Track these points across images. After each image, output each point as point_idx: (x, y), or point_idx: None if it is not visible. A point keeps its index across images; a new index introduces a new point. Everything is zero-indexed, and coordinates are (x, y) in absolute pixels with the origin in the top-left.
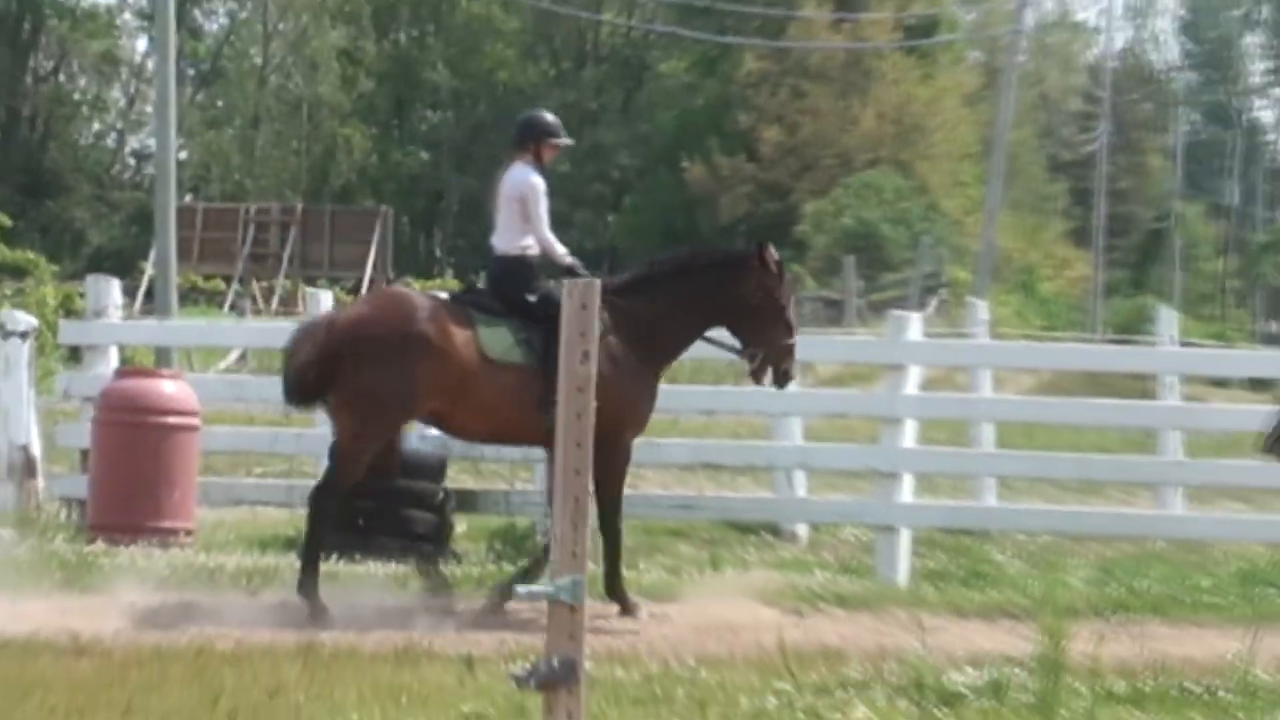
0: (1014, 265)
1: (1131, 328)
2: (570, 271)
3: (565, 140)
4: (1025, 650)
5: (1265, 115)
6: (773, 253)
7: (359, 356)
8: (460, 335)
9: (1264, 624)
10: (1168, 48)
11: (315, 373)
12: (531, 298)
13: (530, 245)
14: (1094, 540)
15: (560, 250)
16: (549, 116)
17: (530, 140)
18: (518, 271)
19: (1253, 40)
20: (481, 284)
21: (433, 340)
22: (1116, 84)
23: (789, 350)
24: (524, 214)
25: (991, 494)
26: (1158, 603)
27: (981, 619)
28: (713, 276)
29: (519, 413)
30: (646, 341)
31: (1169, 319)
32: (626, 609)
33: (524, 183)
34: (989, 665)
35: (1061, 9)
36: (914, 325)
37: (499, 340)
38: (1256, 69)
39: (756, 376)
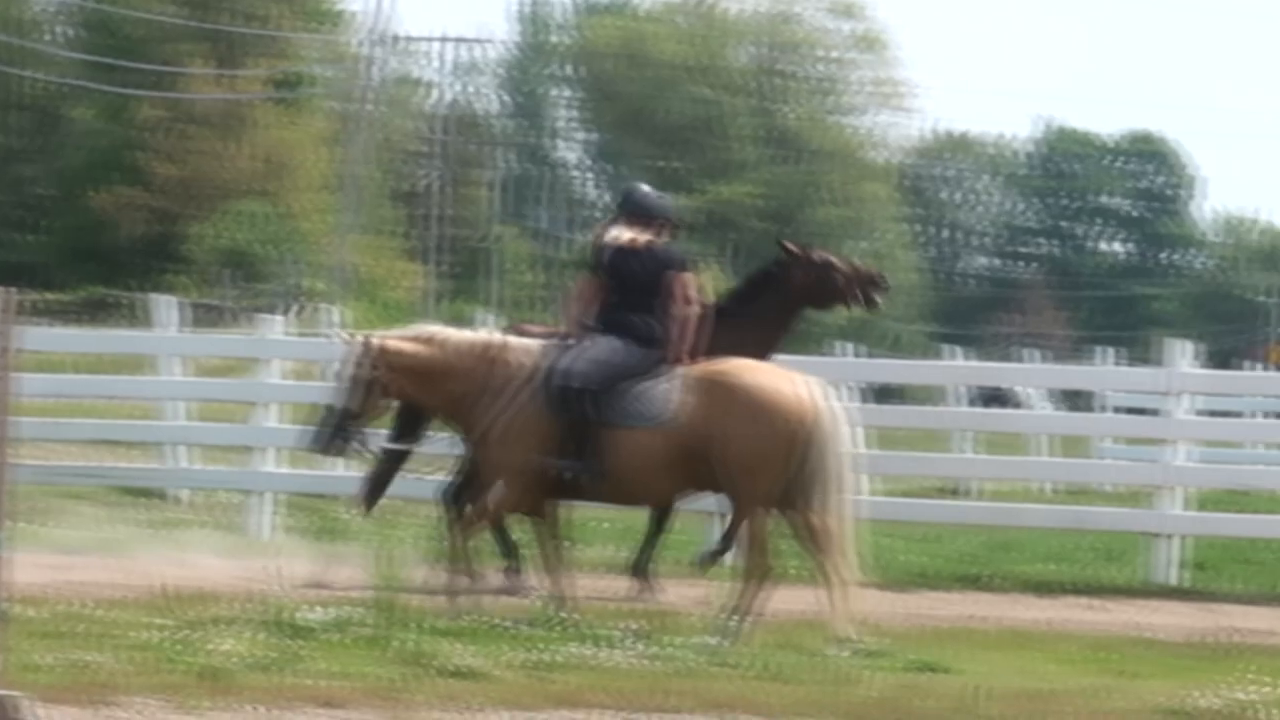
0: (362, 277)
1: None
2: None
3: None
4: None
5: (569, 155)
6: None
7: None
8: None
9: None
10: (490, 99)
11: None
12: None
13: None
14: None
15: None
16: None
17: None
18: None
19: (558, 93)
20: None
21: None
22: (448, 128)
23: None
24: None
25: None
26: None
27: (333, 568)
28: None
29: None
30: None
31: (488, 320)
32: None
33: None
34: (336, 605)
35: (403, 67)
36: (277, 326)
37: None
38: (562, 115)
39: (866, 303)
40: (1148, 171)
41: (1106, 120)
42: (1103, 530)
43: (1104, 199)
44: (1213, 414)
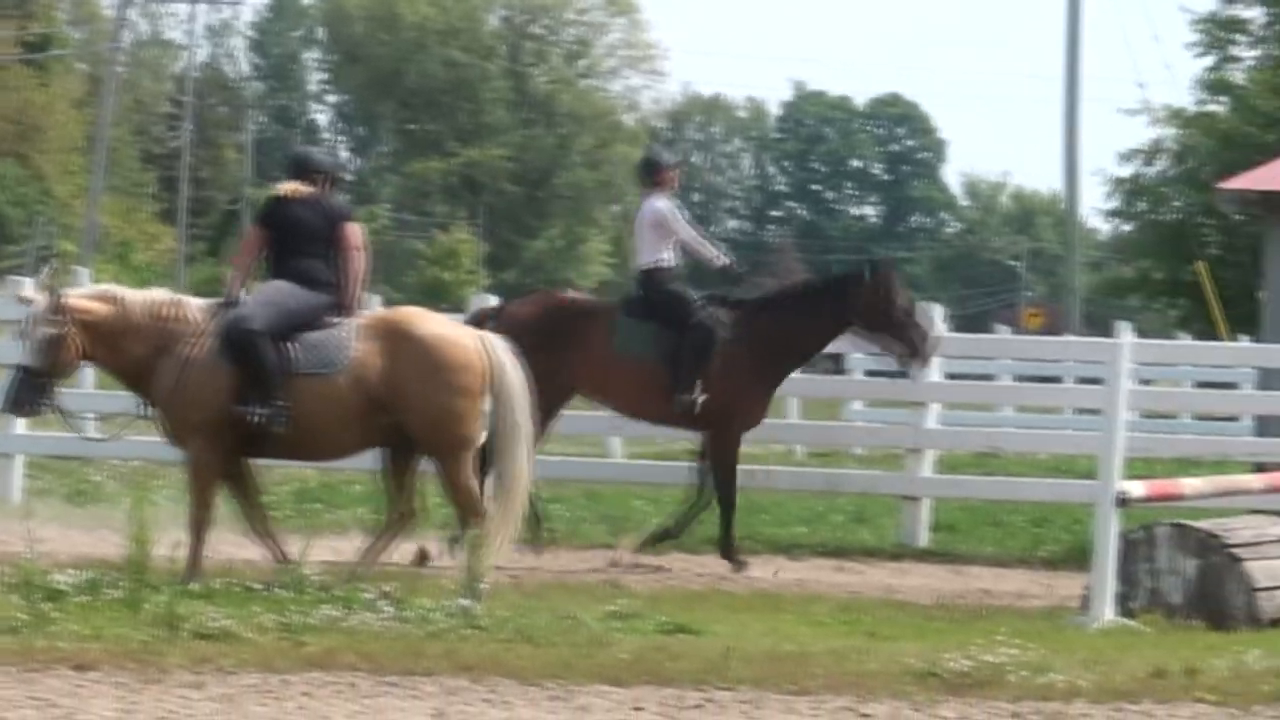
0: (113, 240)
1: (210, 290)
2: (725, 270)
3: (674, 161)
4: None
5: (320, 117)
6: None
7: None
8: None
9: (314, 533)
10: (241, 62)
11: None
12: (663, 302)
13: (664, 258)
14: None
15: (712, 252)
16: (661, 154)
17: (651, 175)
18: (653, 281)
19: (309, 55)
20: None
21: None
22: (198, 91)
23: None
24: (664, 233)
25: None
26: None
27: (84, 531)
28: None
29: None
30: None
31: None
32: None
33: (653, 212)
34: (87, 568)
35: (154, 29)
36: (28, 288)
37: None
38: (313, 78)
39: (900, 363)
40: (898, 135)
41: (857, 83)
42: (854, 493)
43: (854, 162)
44: (963, 377)
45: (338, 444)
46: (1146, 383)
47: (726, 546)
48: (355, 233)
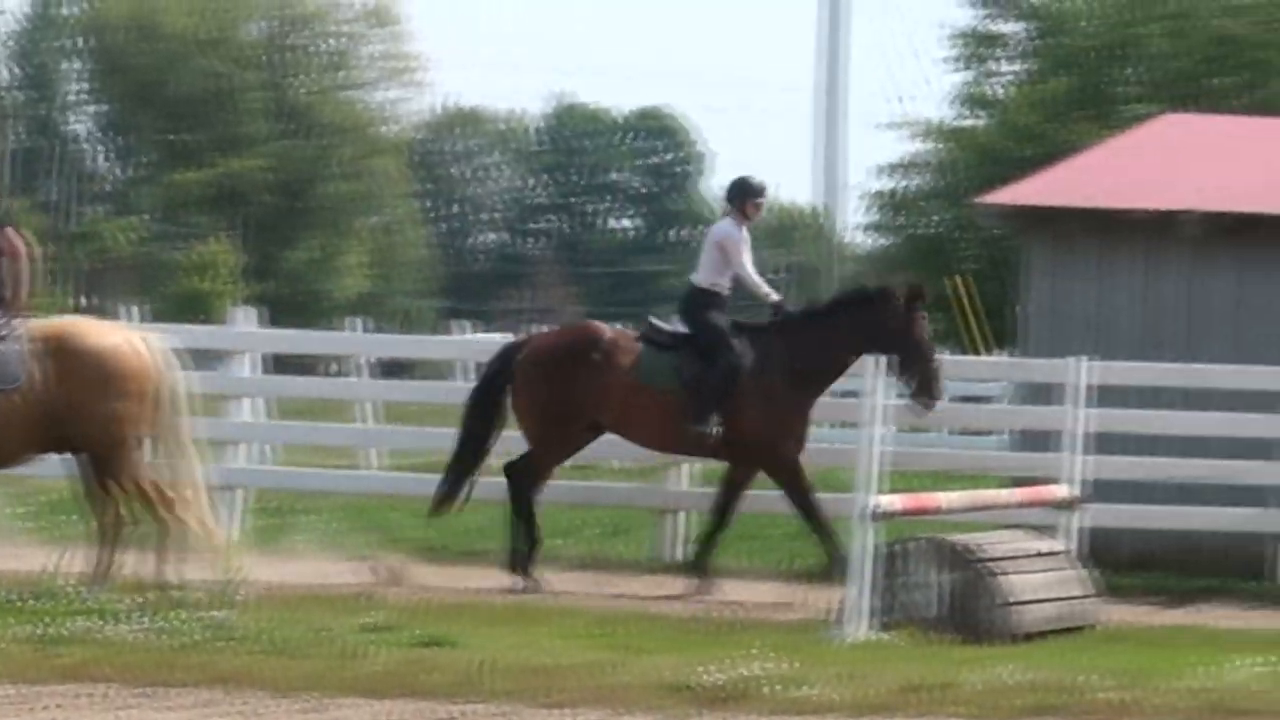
0: None
1: None
2: (775, 307)
3: (763, 192)
4: None
5: (79, 127)
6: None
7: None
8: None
9: (68, 544)
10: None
11: None
12: (698, 327)
13: (720, 284)
14: None
15: (764, 290)
16: (756, 182)
17: (737, 199)
18: (700, 301)
19: (68, 65)
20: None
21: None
22: None
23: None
24: (724, 259)
25: None
26: None
27: None
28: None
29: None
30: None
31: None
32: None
33: (725, 234)
34: None
35: None
36: None
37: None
38: (72, 88)
39: (912, 396)
40: (657, 148)
41: (617, 96)
42: (611, 506)
43: (613, 175)
44: None
45: (9, 453)
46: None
47: (827, 547)
48: (14, 238)
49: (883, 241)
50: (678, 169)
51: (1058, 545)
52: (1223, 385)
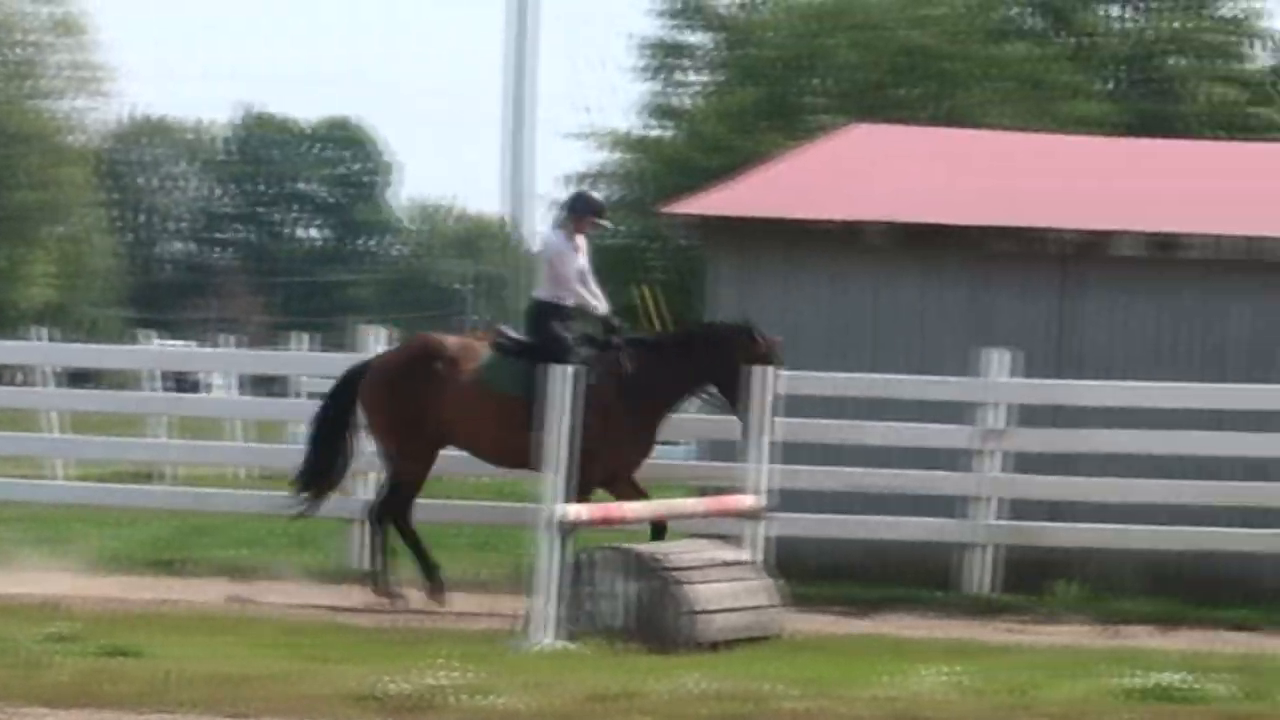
0: None
1: None
2: (604, 321)
3: (605, 223)
4: None
5: None
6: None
7: None
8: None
9: None
10: None
11: None
12: (541, 337)
13: (560, 295)
14: None
15: (593, 303)
16: (596, 200)
17: (573, 214)
18: (543, 313)
19: None
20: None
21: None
22: None
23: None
24: (552, 273)
25: None
26: None
27: None
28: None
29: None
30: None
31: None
32: None
33: (555, 248)
34: None
35: None
36: None
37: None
38: None
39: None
40: (345, 158)
41: (305, 106)
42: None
43: (301, 185)
44: None
45: None
46: None
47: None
48: None
49: None
50: (365, 179)
51: (744, 555)
52: (908, 395)
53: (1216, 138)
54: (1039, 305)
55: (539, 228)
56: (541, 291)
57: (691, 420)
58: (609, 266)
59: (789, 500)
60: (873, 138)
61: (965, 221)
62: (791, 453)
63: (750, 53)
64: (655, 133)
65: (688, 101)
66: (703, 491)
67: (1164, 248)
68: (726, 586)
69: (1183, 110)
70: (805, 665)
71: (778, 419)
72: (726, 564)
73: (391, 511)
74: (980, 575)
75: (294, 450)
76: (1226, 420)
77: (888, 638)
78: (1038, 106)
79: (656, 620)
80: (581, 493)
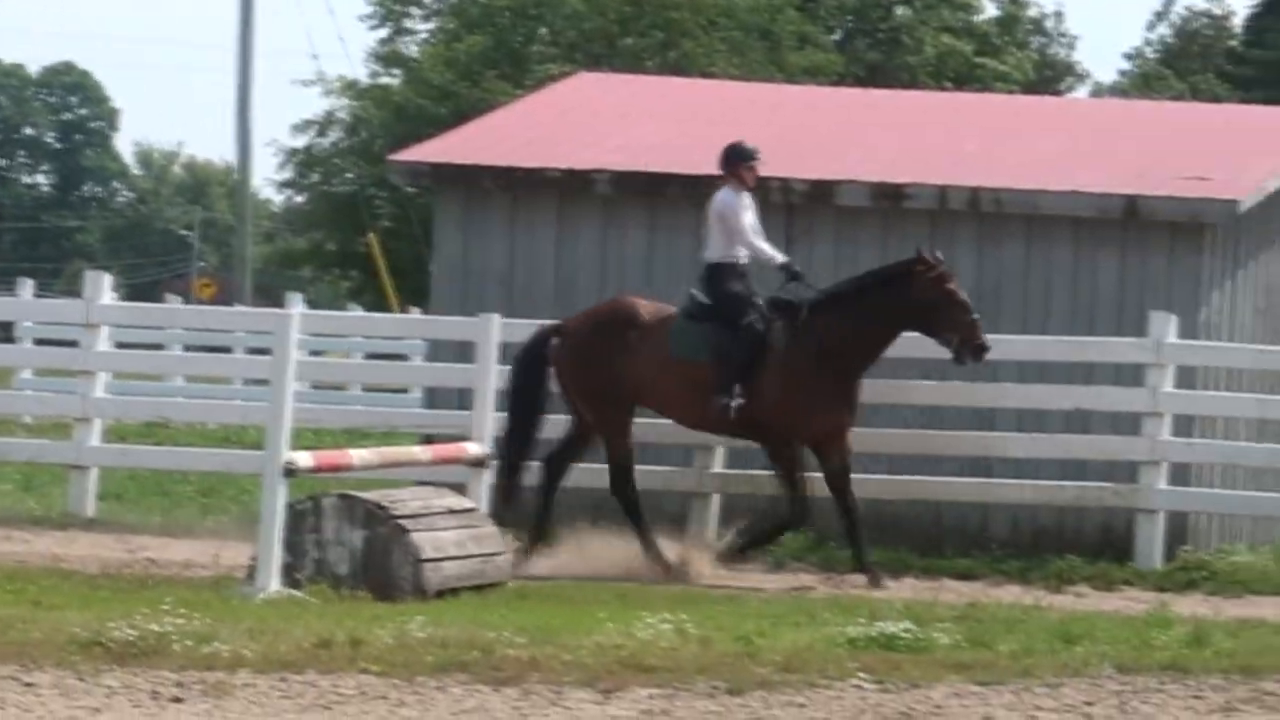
0: None
1: None
2: (785, 268)
3: (756, 156)
4: None
5: None
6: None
7: None
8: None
9: None
10: None
11: None
12: (719, 298)
13: (734, 254)
14: None
15: (769, 254)
16: (746, 146)
17: (729, 165)
18: (718, 275)
19: None
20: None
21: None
22: None
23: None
24: (726, 230)
25: None
26: None
27: None
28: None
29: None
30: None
31: None
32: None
33: (724, 203)
34: None
35: None
36: None
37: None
38: None
39: (958, 358)
40: (71, 104)
41: (30, 51)
42: (20, 462)
43: (26, 130)
44: (132, 346)
45: None
46: (317, 354)
47: (859, 555)
48: None
49: (297, 198)
50: (91, 124)
51: (468, 502)
52: None
53: (943, 88)
54: None
55: (268, 175)
56: (713, 252)
57: (416, 368)
58: (335, 213)
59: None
60: (600, 87)
61: (693, 170)
62: None
63: (478, 1)
64: (383, 80)
65: (416, 49)
66: (429, 440)
67: (889, 197)
68: (452, 534)
69: (910, 60)
70: (532, 613)
71: (502, 368)
72: (452, 512)
73: (619, 484)
74: (708, 522)
75: (19, 397)
76: (951, 370)
77: (614, 586)
78: (766, 56)
79: (383, 568)
80: (791, 457)
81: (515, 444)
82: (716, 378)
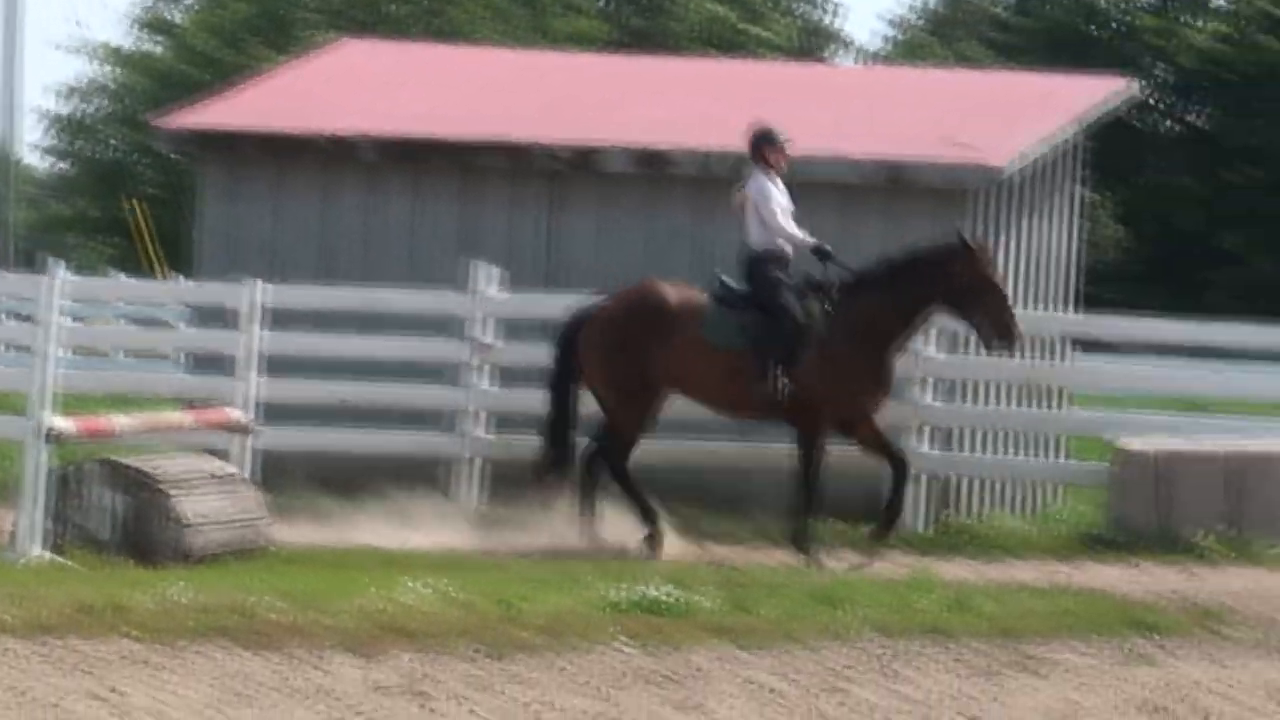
0: None
1: None
2: (817, 251)
3: (786, 142)
4: None
5: None
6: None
7: None
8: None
9: None
10: None
11: None
12: (757, 286)
13: (777, 243)
14: None
15: (800, 237)
16: (769, 129)
17: (756, 150)
18: (760, 265)
19: None
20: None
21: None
22: None
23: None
24: (760, 216)
25: None
26: None
27: None
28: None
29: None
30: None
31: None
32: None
33: (756, 189)
34: None
35: None
36: None
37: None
38: None
39: (987, 343)
40: None
41: None
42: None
43: None
44: None
45: None
46: (80, 319)
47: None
48: None
49: (61, 165)
50: None
51: (231, 468)
52: (398, 309)
53: (707, 55)
54: (528, 220)
55: (28, 140)
56: (756, 241)
57: (178, 334)
58: (98, 180)
59: (276, 414)
60: (364, 53)
61: (455, 137)
62: (279, 367)
63: None
64: (146, 46)
65: (179, 16)
66: (191, 405)
67: (651, 163)
68: (214, 500)
69: (674, 27)
70: (294, 578)
71: (265, 333)
72: (214, 477)
73: (613, 462)
74: (469, 489)
75: None
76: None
77: (376, 551)
78: (530, 23)
79: (145, 533)
80: (817, 440)
81: (557, 422)
82: (758, 364)
